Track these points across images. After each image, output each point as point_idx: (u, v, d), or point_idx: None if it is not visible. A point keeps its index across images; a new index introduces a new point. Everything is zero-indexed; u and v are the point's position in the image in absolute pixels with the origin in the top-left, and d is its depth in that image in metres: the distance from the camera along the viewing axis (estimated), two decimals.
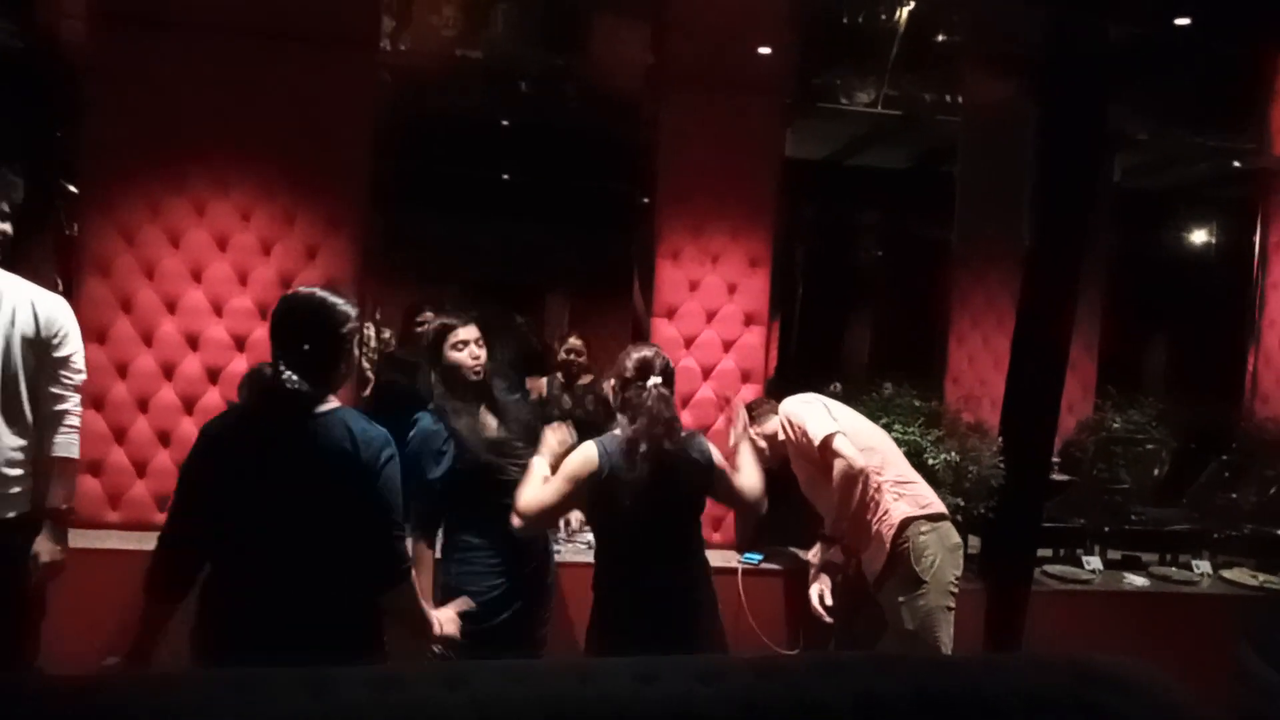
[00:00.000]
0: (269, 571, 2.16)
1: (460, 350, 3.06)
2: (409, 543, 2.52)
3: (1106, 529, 4.58)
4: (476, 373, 3.08)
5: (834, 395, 5.22)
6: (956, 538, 3.43)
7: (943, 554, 3.31)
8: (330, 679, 1.46)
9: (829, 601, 3.39)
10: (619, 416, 2.84)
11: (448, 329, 3.06)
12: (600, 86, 4.60)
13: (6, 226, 2.83)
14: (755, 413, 3.56)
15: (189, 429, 3.89)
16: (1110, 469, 4.77)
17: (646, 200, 4.42)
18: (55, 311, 2.89)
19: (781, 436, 3.54)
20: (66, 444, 2.90)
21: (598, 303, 7.75)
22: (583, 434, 3.02)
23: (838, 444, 3.30)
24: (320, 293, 2.25)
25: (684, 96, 4.32)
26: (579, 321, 8.00)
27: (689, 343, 4.30)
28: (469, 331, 3.07)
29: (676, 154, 4.32)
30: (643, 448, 2.70)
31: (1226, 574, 4.44)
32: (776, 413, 3.59)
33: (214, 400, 3.90)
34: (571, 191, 7.00)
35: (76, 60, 3.97)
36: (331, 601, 2.13)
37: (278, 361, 2.15)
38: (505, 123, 6.11)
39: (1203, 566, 4.47)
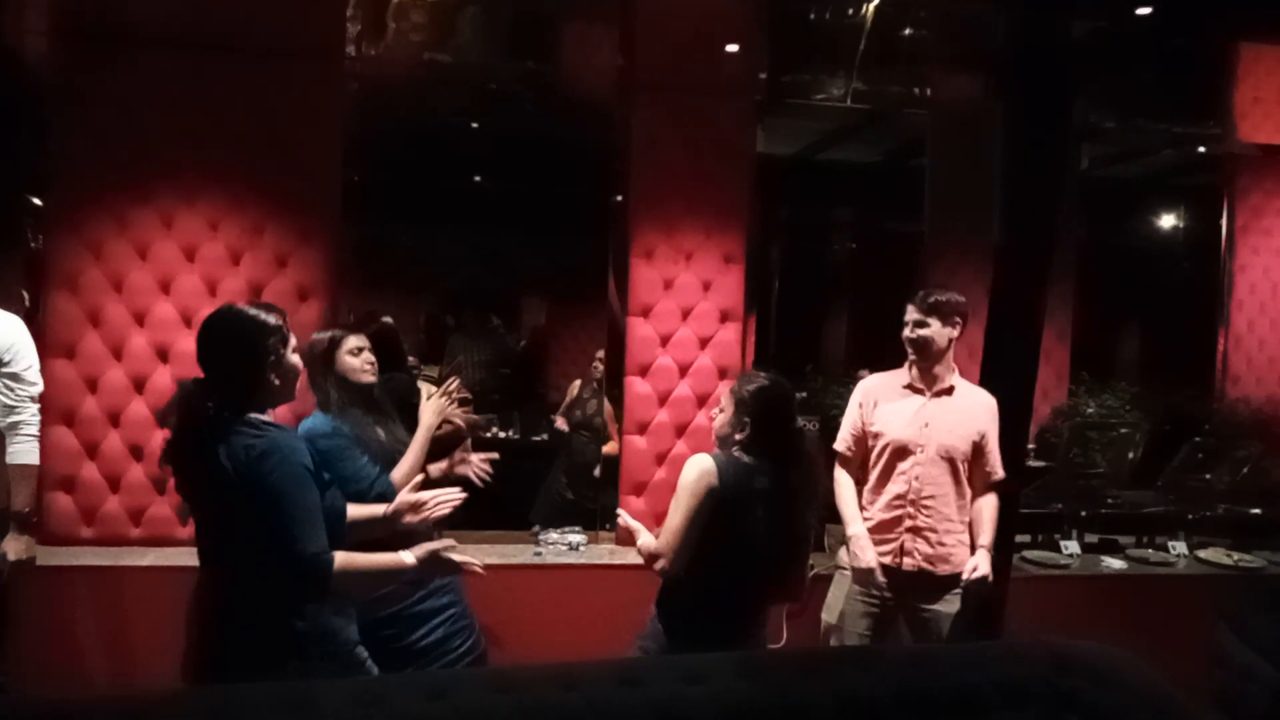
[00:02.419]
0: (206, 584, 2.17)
1: (356, 355, 3.04)
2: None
3: (1083, 513, 4.63)
4: (371, 377, 3.06)
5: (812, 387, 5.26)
6: None
7: None
8: (312, 695, 1.46)
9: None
10: (747, 450, 2.62)
11: (340, 337, 3.04)
12: (570, 90, 4.60)
13: None
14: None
15: (161, 443, 3.86)
16: (1085, 454, 4.82)
17: (620, 199, 4.43)
18: (6, 328, 3.04)
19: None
20: (24, 451, 3.04)
21: (573, 304, 7.78)
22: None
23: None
24: (238, 307, 2.22)
25: (654, 97, 4.32)
26: (555, 323, 8.02)
27: (665, 341, 4.31)
28: (361, 340, 3.07)
29: (647, 155, 4.32)
30: (790, 499, 2.57)
31: (1202, 554, 4.49)
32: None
33: None
34: (544, 195, 7.00)
35: (40, 75, 3.92)
36: (252, 616, 2.11)
37: (202, 384, 2.14)
38: (475, 126, 6.10)
39: (1179, 548, 4.53)
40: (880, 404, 3.32)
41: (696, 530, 2.51)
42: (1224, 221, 6.03)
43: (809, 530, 2.74)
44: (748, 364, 4.59)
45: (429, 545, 2.25)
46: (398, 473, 2.90)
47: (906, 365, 3.34)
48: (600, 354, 5.06)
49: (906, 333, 3.28)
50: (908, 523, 3.19)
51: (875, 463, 3.28)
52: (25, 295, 3.81)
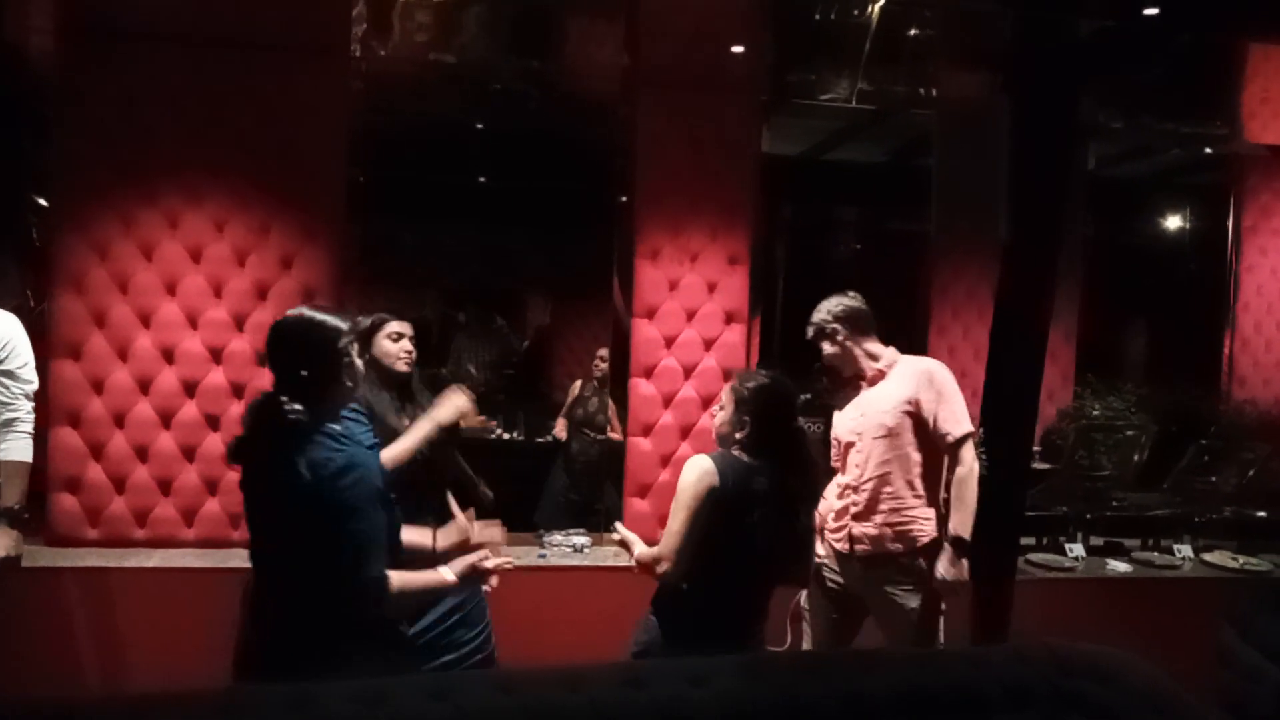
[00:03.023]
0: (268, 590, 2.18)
1: (396, 341, 3.07)
2: None
3: (1088, 516, 4.61)
4: (406, 366, 3.08)
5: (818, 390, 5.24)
6: None
7: None
8: (315, 696, 1.46)
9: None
10: (748, 450, 2.59)
11: (383, 320, 3.07)
12: (574, 89, 4.61)
13: None
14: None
15: (167, 443, 3.87)
16: (1091, 456, 4.80)
17: (624, 199, 4.42)
18: (2, 326, 3.08)
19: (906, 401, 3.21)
20: (18, 448, 3.08)
21: (578, 304, 7.78)
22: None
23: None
24: (309, 312, 2.23)
25: (659, 97, 4.32)
26: (559, 322, 8.02)
27: (670, 342, 4.30)
28: (404, 326, 3.10)
29: (653, 154, 4.32)
30: (788, 498, 2.54)
31: (1207, 557, 4.48)
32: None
33: (191, 414, 3.88)
34: (549, 194, 7.01)
35: (45, 73, 3.93)
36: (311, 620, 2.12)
37: (278, 391, 2.14)
38: (480, 126, 6.10)
39: (1184, 550, 4.51)
40: (837, 410, 3.46)
41: (698, 532, 2.49)
42: (1230, 222, 6.02)
43: (810, 532, 2.73)
44: (752, 365, 4.58)
45: (467, 560, 2.32)
46: (387, 453, 2.76)
47: None
48: (602, 352, 5.06)
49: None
50: (853, 509, 3.26)
51: (839, 463, 3.41)
52: (30, 295, 3.81)
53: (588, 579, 3.94)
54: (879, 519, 3.20)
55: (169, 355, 3.87)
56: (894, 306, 6.41)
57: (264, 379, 3.96)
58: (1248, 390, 5.85)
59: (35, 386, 3.16)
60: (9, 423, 3.07)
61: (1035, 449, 4.73)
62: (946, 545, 3.15)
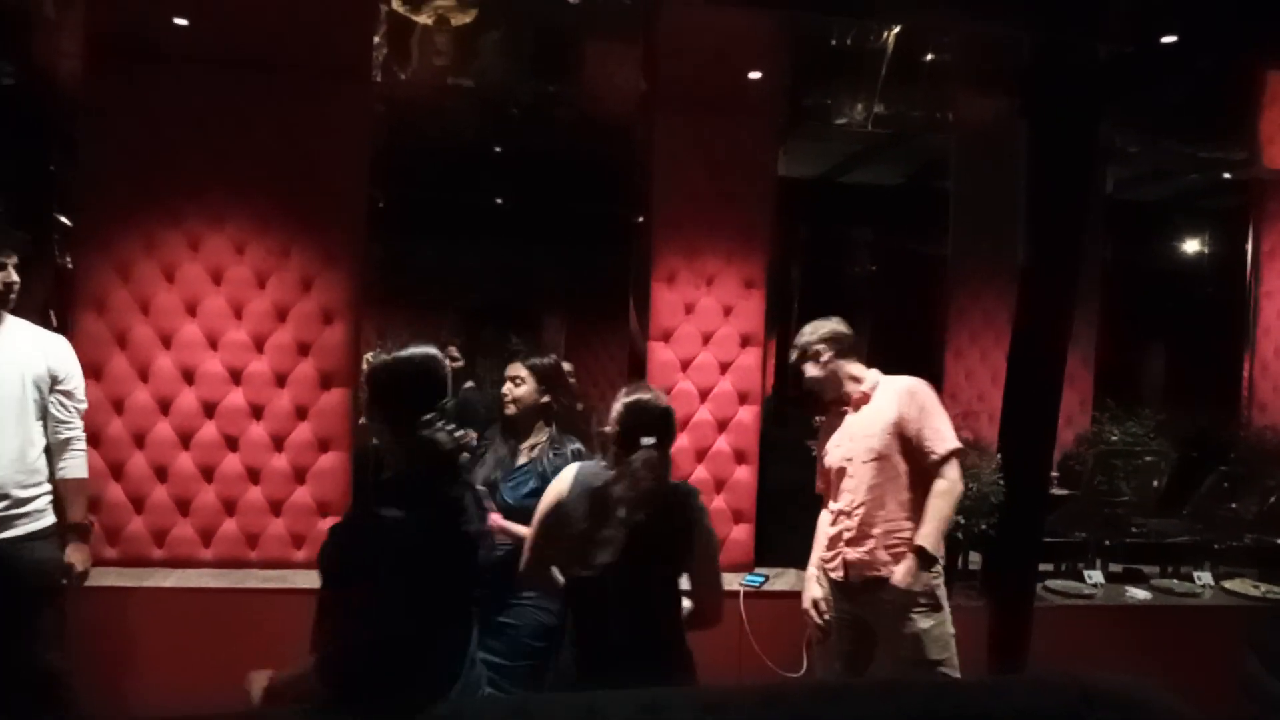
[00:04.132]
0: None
1: (503, 385, 3.32)
2: None
3: (1107, 542, 4.58)
4: (503, 408, 3.29)
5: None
6: None
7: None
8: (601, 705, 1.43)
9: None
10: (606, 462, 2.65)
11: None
12: (592, 112, 4.63)
13: (12, 276, 3.05)
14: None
15: (185, 464, 3.89)
16: (1110, 482, 4.76)
17: (641, 220, 4.44)
18: (59, 350, 3.20)
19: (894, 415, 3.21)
20: (77, 466, 3.21)
21: (594, 325, 7.79)
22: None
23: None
24: (417, 349, 2.19)
25: (676, 120, 4.34)
26: (575, 344, 8.03)
27: (685, 365, 4.31)
28: (509, 369, 3.29)
29: (670, 177, 4.34)
30: (621, 513, 2.51)
31: (1228, 585, 4.43)
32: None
33: (210, 434, 3.90)
34: (566, 216, 7.04)
35: (72, 96, 3.99)
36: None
37: (436, 423, 2.09)
38: (498, 149, 6.14)
39: (1204, 578, 4.46)
40: (825, 435, 3.45)
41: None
42: (1249, 246, 5.99)
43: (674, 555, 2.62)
44: (768, 388, 4.58)
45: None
46: None
47: None
48: (568, 367, 4.98)
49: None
50: (846, 535, 3.25)
51: (829, 491, 3.41)
52: (53, 315, 3.85)
53: None
54: (871, 543, 3.19)
55: (189, 376, 3.90)
56: (911, 330, 6.42)
57: (281, 399, 3.99)
58: (1268, 416, 5.80)
59: (86, 406, 3.28)
60: (67, 441, 3.18)
61: (1053, 474, 4.70)
62: (908, 553, 3.11)
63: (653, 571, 2.58)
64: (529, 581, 2.77)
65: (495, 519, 3.13)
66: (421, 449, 2.07)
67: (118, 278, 3.86)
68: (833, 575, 3.30)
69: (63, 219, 3.99)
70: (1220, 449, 5.32)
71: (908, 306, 6.40)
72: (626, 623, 2.55)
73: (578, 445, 3.21)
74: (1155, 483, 4.80)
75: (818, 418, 3.62)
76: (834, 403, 3.40)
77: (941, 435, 3.17)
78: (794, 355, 3.40)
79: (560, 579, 2.67)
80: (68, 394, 3.18)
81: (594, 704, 1.47)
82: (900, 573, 3.09)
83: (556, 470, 3.05)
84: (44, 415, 3.13)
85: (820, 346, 3.34)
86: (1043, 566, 4.33)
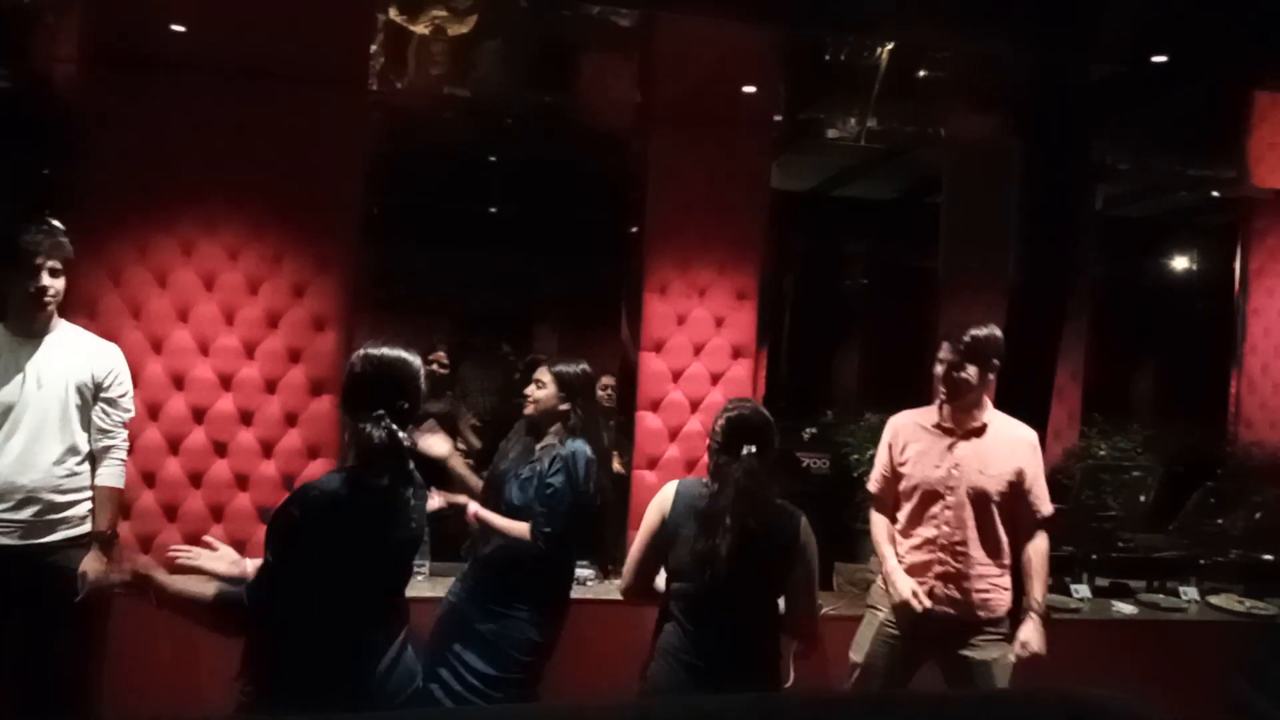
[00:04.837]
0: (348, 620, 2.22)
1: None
2: None
3: (1094, 556, 4.58)
4: (524, 409, 3.37)
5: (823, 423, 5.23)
6: None
7: None
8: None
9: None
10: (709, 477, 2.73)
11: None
12: (587, 122, 4.65)
13: (60, 282, 3.03)
14: None
15: (174, 470, 3.88)
16: (1097, 496, 4.78)
17: (634, 230, 4.45)
18: (107, 356, 3.16)
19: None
20: (112, 475, 3.15)
21: (586, 333, 7.80)
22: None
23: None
24: (389, 349, 2.30)
25: (671, 133, 4.36)
26: (567, 352, 8.04)
27: (677, 376, 4.32)
28: (537, 371, 3.38)
29: (664, 189, 4.35)
30: (728, 521, 2.57)
31: (1214, 600, 4.44)
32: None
33: (199, 440, 3.90)
34: (559, 225, 7.06)
35: (67, 101, 3.99)
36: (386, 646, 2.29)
37: (381, 421, 2.17)
38: (493, 158, 6.16)
39: (1190, 593, 4.48)
40: (909, 444, 3.20)
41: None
42: (1237, 264, 6.03)
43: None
44: (759, 399, 4.59)
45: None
46: None
47: (937, 404, 3.19)
48: (605, 379, 5.05)
49: (939, 371, 3.11)
50: (938, 568, 3.10)
51: (905, 505, 3.20)
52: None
53: (591, 613, 3.92)
54: (968, 584, 3.07)
55: (179, 381, 3.89)
56: (901, 342, 6.44)
57: (271, 405, 3.99)
58: (1254, 433, 5.84)
59: (131, 415, 3.23)
60: (106, 449, 3.13)
61: None
62: (1033, 616, 3.05)
63: (751, 586, 2.63)
64: (633, 600, 2.85)
65: (473, 509, 3.17)
66: (360, 443, 2.16)
67: (109, 282, 3.85)
68: (913, 603, 3.07)
69: (55, 223, 3.98)
70: (1207, 464, 5.35)
71: (898, 319, 6.41)
72: (723, 637, 2.62)
73: (580, 444, 3.19)
74: (1142, 497, 4.82)
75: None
76: (955, 410, 3.13)
77: (1046, 497, 3.14)
78: (961, 346, 3.06)
79: (660, 587, 2.78)
80: (111, 402, 3.13)
81: (581, 715, 1.46)
82: (1036, 640, 3.03)
83: (551, 467, 3.07)
84: (89, 423, 3.09)
85: (996, 358, 3.10)
86: None
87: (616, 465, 4.54)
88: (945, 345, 3.11)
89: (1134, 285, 7.52)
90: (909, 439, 3.22)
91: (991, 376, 3.12)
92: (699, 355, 4.34)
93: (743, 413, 2.73)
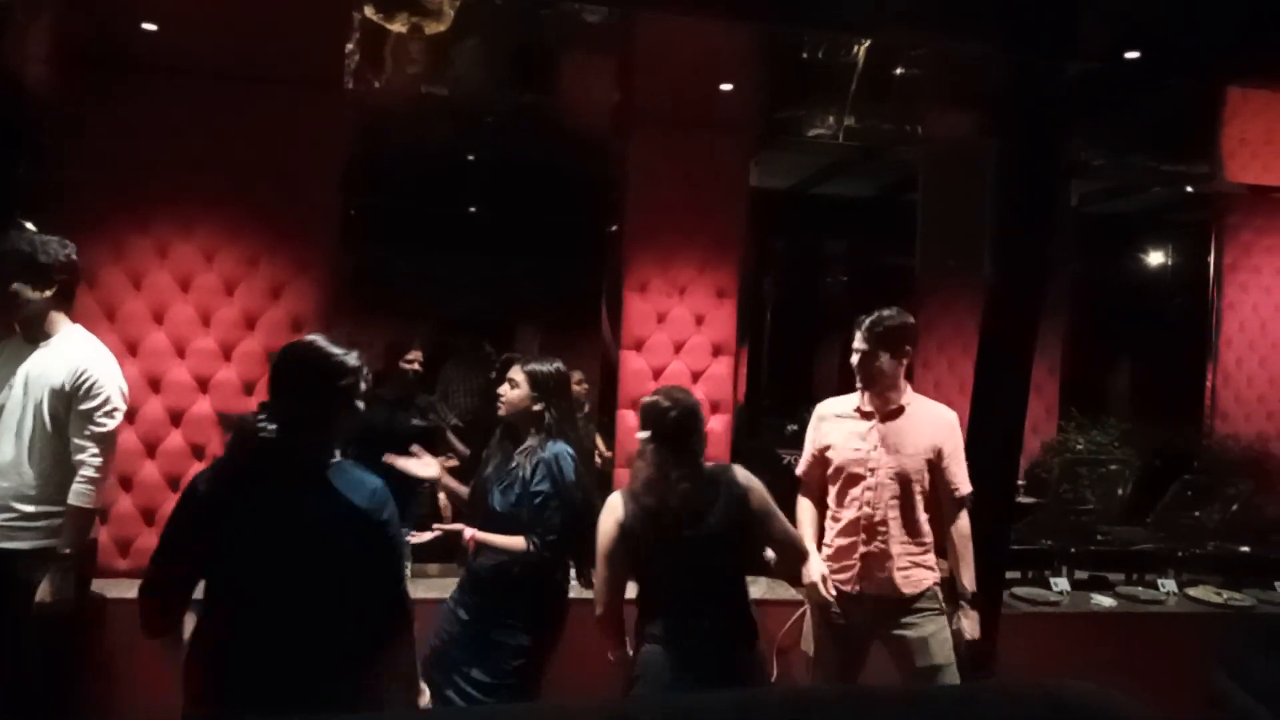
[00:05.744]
0: (265, 626, 2.10)
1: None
2: None
3: (1073, 550, 4.62)
4: (497, 407, 3.27)
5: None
6: None
7: None
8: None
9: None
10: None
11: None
12: (566, 123, 4.64)
13: (33, 290, 3.01)
14: None
15: (151, 472, 3.85)
16: (1075, 490, 4.82)
17: (614, 229, 4.45)
18: (85, 365, 3.01)
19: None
20: (76, 493, 2.99)
21: (567, 334, 7.78)
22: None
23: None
24: (320, 343, 2.21)
25: (650, 132, 4.37)
26: (548, 352, 8.01)
27: (657, 374, 4.32)
28: (510, 371, 3.27)
29: (643, 188, 4.36)
30: (646, 501, 2.69)
31: (1191, 592, 4.49)
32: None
33: (177, 443, 3.86)
34: (539, 225, 7.04)
35: (41, 101, 3.94)
36: (328, 657, 2.09)
37: (264, 411, 2.12)
38: (472, 158, 6.14)
39: (1168, 585, 4.53)
40: (832, 429, 3.31)
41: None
42: (1211, 259, 6.10)
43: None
44: (739, 396, 4.60)
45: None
46: None
47: (859, 389, 3.30)
48: (577, 375, 5.01)
49: (854, 360, 3.25)
50: (862, 548, 3.18)
51: (831, 488, 3.30)
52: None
53: (574, 612, 3.91)
54: (890, 563, 3.14)
55: (155, 384, 3.86)
56: None
57: (249, 408, 3.95)
58: (1230, 425, 5.90)
59: (107, 429, 3.03)
60: (79, 464, 2.99)
61: (1020, 483, 4.75)
62: (964, 605, 3.16)
63: (721, 550, 2.72)
64: (610, 624, 2.84)
65: (469, 533, 3.11)
66: (234, 431, 2.16)
67: (84, 284, 3.78)
68: (845, 587, 3.18)
69: (29, 225, 3.94)
70: (1183, 458, 5.40)
71: None
72: (704, 645, 2.67)
73: (561, 446, 3.15)
74: (1120, 491, 4.87)
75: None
76: (872, 395, 3.24)
77: (965, 476, 3.21)
78: (869, 334, 3.20)
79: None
80: (85, 415, 2.98)
81: (564, 716, 1.47)
82: (969, 627, 3.15)
83: (535, 474, 3.05)
84: (61, 429, 2.99)
85: (907, 344, 3.22)
86: (1009, 574, 4.37)
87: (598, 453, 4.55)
88: (857, 334, 3.25)
89: (1110, 281, 7.58)
90: (832, 424, 3.33)
91: (905, 361, 3.24)
92: (679, 353, 4.35)
93: (656, 399, 2.82)
